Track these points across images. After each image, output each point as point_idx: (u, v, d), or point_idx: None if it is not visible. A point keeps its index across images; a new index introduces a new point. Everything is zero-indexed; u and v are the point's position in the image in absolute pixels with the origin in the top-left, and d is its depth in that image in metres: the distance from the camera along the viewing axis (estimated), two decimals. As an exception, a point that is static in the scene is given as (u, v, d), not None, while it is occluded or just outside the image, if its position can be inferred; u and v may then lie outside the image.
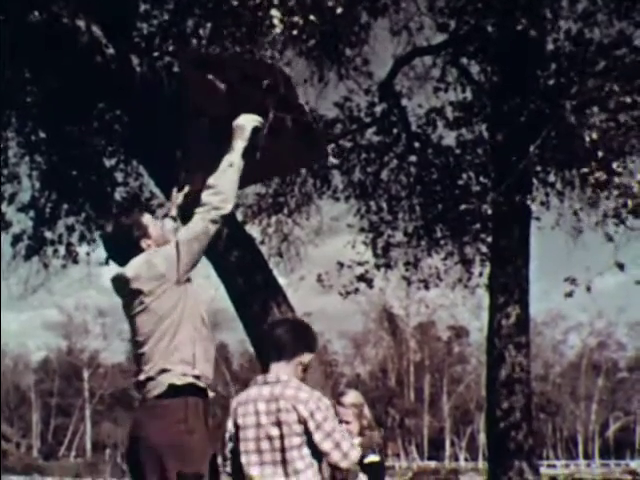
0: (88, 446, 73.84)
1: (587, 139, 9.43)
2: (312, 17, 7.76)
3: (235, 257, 9.12)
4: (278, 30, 7.64)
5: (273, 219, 13.65)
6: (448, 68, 12.25)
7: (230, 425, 4.29)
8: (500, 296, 11.55)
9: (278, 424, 4.11)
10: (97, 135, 11.19)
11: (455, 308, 57.75)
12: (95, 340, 76.79)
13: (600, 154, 9.55)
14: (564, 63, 10.55)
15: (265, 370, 4.35)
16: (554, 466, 60.19)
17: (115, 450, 69.83)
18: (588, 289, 10.09)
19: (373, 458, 5.20)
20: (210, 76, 4.70)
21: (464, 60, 12.22)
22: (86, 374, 75.84)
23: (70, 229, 11.43)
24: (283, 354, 4.28)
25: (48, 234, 11.40)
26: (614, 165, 9.60)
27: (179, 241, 4.18)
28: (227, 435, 4.31)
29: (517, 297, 11.53)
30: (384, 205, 13.18)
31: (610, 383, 76.61)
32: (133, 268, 4.18)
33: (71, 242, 11.50)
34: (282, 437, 4.10)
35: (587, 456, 72.84)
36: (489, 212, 12.12)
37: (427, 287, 13.63)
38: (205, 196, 4.27)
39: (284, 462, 4.10)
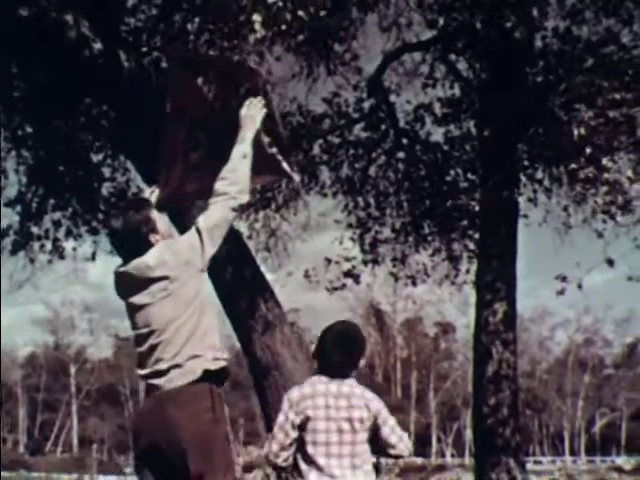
0: (75, 441, 73.56)
1: (575, 135, 9.46)
2: (300, 13, 7.76)
3: (222, 252, 9.08)
4: (259, 35, 7.65)
5: (261, 214, 13.60)
6: (437, 64, 12.27)
7: (293, 416, 4.40)
8: (487, 293, 11.54)
9: (349, 420, 4.37)
10: (84, 130, 11.15)
11: (442, 304, 57.99)
12: (82, 335, 76.63)
13: (588, 150, 9.58)
14: (552, 60, 10.59)
15: (322, 372, 4.52)
16: (540, 462, 60.35)
17: (102, 445, 69.64)
18: (579, 286, 10.14)
19: None
20: (195, 77, 4.66)
21: (453, 56, 12.23)
22: (73, 369, 75.59)
23: (57, 224, 11.39)
24: (342, 372, 4.49)
25: (34, 229, 11.36)
26: (603, 161, 9.63)
27: (200, 229, 4.18)
28: (288, 426, 4.41)
29: (504, 294, 11.53)
30: (372, 201, 13.17)
31: (596, 380, 76.78)
32: (156, 256, 4.14)
33: (57, 237, 11.46)
34: (354, 432, 4.37)
35: (573, 452, 73.08)
36: (477, 208, 12.17)
37: (414, 283, 13.63)
38: (221, 186, 4.26)
39: (352, 455, 4.38)
